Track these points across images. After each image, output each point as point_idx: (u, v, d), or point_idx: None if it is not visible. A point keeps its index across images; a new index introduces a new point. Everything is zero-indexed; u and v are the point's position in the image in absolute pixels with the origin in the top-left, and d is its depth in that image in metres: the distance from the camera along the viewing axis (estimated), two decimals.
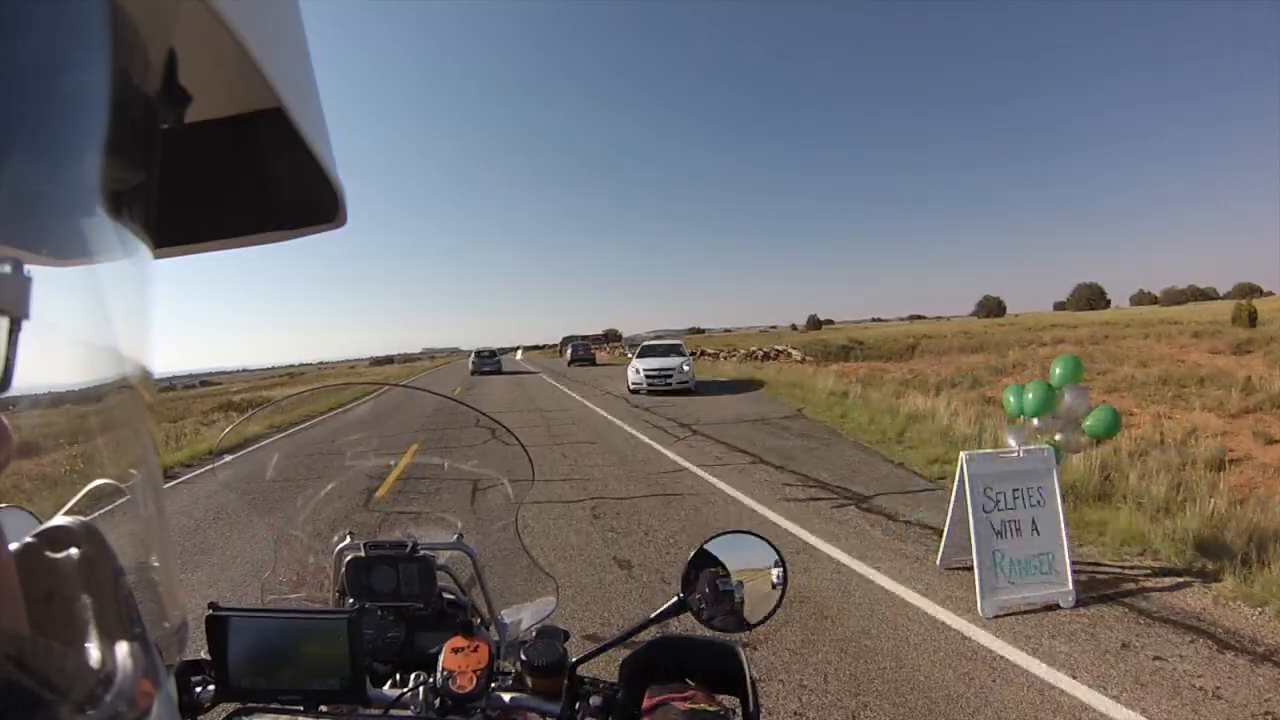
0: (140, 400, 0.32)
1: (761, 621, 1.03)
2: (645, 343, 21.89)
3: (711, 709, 0.88)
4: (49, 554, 0.32)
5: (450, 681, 0.97)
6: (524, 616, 1.48)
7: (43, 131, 0.25)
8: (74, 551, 0.32)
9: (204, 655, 0.99)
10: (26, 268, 0.27)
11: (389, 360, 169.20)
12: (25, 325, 0.27)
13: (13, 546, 0.30)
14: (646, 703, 0.92)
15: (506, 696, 1.00)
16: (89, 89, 0.27)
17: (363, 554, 1.31)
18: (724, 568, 1.03)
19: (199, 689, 0.99)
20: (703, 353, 39.46)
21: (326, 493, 1.67)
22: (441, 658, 1.01)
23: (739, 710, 0.96)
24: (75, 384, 0.30)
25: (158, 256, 0.36)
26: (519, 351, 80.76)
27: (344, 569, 1.32)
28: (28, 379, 0.28)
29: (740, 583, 1.02)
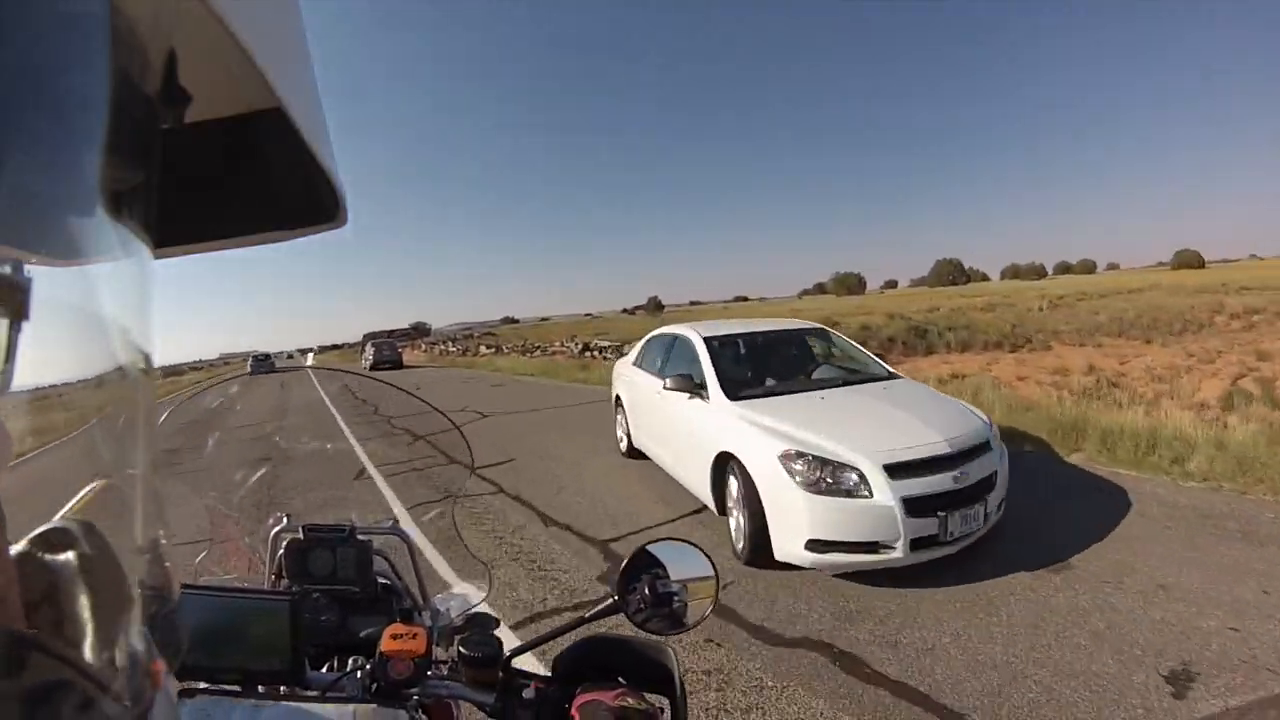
0: (140, 400, 0.33)
1: (695, 624, 1.06)
2: (720, 331, 5.91)
3: (641, 707, 0.90)
4: (49, 554, 0.31)
5: (388, 667, 0.96)
6: (455, 603, 1.48)
7: (43, 131, 0.25)
8: (74, 552, 0.32)
9: None
10: (26, 268, 0.27)
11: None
12: (25, 326, 0.27)
13: (13, 548, 0.30)
14: (578, 699, 0.93)
15: (442, 685, 1.01)
16: (89, 89, 0.27)
17: (301, 537, 1.31)
18: (664, 570, 1.06)
19: None
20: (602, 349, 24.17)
21: (260, 476, 1.65)
22: (380, 643, 0.99)
23: (667, 709, 0.98)
24: (75, 385, 0.29)
25: (158, 256, 0.35)
26: (309, 355, 61.24)
27: (281, 551, 1.32)
28: (28, 380, 0.28)
29: (683, 586, 1.06)
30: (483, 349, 38.71)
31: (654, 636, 1.04)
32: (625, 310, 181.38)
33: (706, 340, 5.44)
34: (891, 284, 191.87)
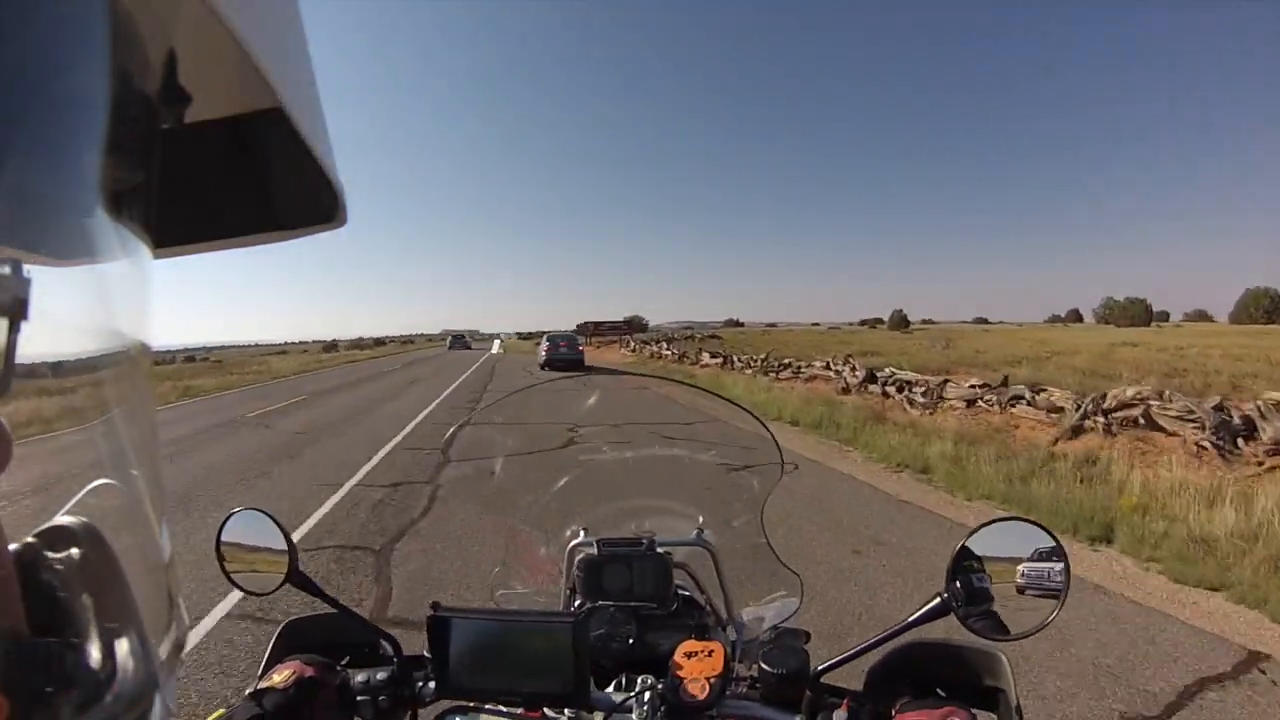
0: (140, 400, 0.33)
1: (1031, 632, 0.85)
2: None
3: None
4: (49, 554, 0.32)
5: (680, 689, 0.92)
6: (765, 616, 1.40)
7: (43, 131, 0.25)
8: (74, 551, 0.32)
9: (425, 653, 1.00)
10: (26, 268, 0.27)
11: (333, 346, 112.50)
12: (24, 326, 0.27)
13: (12, 546, 0.30)
14: (897, 718, 0.84)
15: (740, 705, 0.96)
16: (89, 89, 0.27)
17: (595, 552, 1.28)
18: (990, 561, 0.88)
19: (420, 684, 1.01)
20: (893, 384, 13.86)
21: (561, 487, 1.61)
22: (673, 662, 0.96)
23: None
24: (75, 384, 0.30)
25: (158, 256, 0.36)
26: (495, 342, 59.90)
27: (575, 567, 1.30)
28: (27, 380, 0.28)
29: (1009, 581, 0.87)
30: (705, 356, 27.47)
31: (983, 642, 0.89)
32: (862, 323, 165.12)
33: None
34: (1163, 316, 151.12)
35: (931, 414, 12.14)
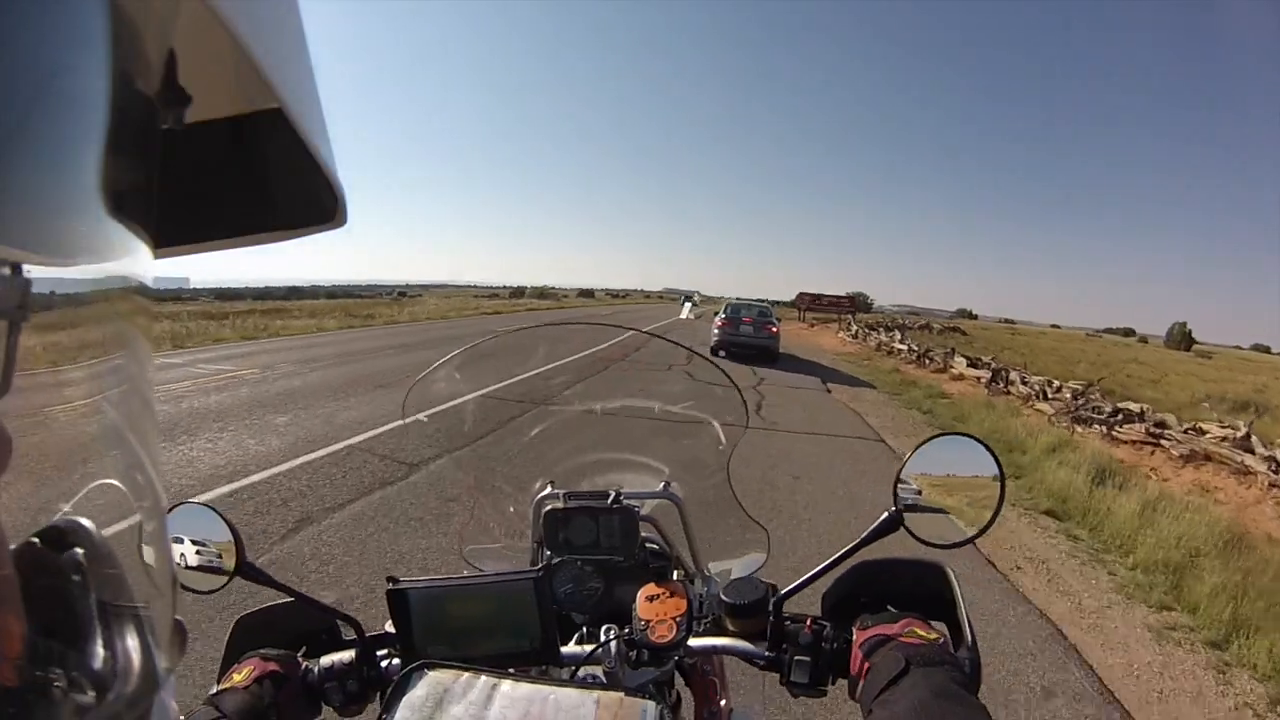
0: (141, 400, 0.33)
1: (975, 537, 0.93)
2: None
3: (930, 636, 0.81)
4: (49, 554, 0.32)
5: (647, 631, 0.95)
6: (732, 569, 1.43)
7: (43, 131, 0.25)
8: (74, 551, 0.32)
9: (388, 629, 1.00)
10: (26, 268, 0.27)
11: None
12: (24, 327, 0.27)
13: (12, 546, 0.30)
14: (858, 635, 0.86)
15: (707, 642, 0.98)
16: (89, 89, 0.27)
17: (561, 505, 1.28)
18: (933, 476, 0.96)
19: (385, 663, 1.01)
20: None
21: (530, 438, 1.61)
22: (636, 607, 0.99)
23: (948, 636, 0.87)
24: (75, 386, 0.30)
25: (158, 256, 0.36)
26: (687, 305, 51.14)
27: (541, 521, 1.30)
28: (27, 382, 0.28)
29: (952, 494, 0.94)
30: (960, 363, 17.67)
31: (927, 555, 0.94)
32: (1119, 332, 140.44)
33: None
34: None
35: None
